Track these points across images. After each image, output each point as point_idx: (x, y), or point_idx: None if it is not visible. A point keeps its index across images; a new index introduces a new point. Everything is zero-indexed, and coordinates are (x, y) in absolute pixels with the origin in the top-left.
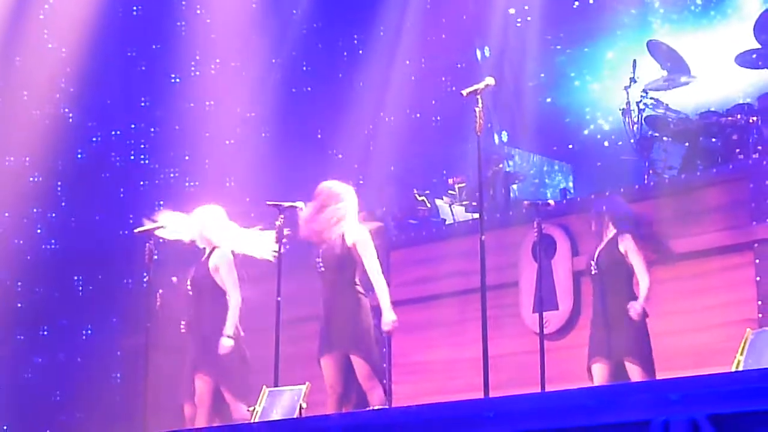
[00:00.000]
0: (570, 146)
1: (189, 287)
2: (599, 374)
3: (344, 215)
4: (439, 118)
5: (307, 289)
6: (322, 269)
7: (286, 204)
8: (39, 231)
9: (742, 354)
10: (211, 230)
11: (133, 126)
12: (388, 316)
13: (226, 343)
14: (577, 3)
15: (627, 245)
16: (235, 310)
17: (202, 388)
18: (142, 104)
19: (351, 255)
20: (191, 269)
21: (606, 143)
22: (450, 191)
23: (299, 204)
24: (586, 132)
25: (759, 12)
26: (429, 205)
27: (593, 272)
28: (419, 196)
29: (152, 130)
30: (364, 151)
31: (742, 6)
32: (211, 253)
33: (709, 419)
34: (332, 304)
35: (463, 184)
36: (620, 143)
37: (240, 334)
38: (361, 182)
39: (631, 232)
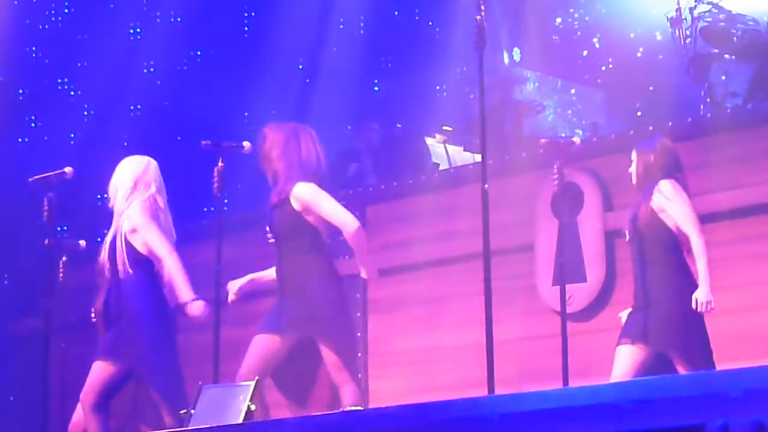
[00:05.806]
0: (602, 68)
1: (106, 258)
2: (627, 360)
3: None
4: (434, 26)
5: (254, 255)
6: (272, 240)
7: (228, 144)
8: None
9: None
10: (124, 186)
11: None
12: (368, 265)
13: (197, 306)
14: None
15: (664, 195)
16: (178, 270)
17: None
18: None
19: (303, 219)
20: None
21: (649, 64)
22: (444, 127)
23: (246, 144)
24: (622, 50)
25: None
26: None
27: (627, 237)
28: None
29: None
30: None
31: None
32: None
33: None
34: (289, 276)
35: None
36: (668, 63)
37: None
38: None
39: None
